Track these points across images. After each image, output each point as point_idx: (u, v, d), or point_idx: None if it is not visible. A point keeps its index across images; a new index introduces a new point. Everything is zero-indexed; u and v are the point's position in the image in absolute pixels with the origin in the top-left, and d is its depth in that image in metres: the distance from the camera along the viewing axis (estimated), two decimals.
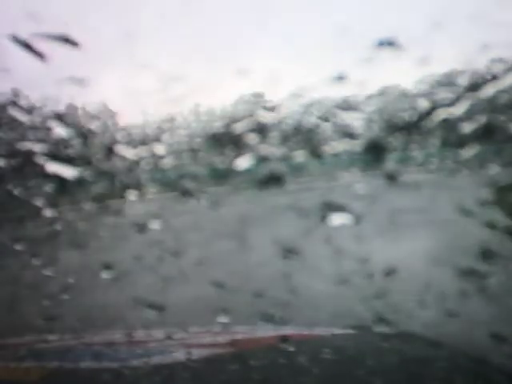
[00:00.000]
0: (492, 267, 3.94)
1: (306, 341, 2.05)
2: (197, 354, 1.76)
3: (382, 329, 2.12)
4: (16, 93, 25.72)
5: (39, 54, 1.77)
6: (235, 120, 26.42)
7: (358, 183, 11.10)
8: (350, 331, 2.21)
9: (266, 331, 2.31)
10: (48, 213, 6.07)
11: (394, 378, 1.51)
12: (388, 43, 2.58)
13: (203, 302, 4.58)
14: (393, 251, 6.26)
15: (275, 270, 5.00)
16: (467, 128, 3.63)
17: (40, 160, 2.98)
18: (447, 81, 25.98)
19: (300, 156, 14.43)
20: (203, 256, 6.57)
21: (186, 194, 6.69)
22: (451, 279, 3.91)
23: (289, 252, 4.68)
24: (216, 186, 15.92)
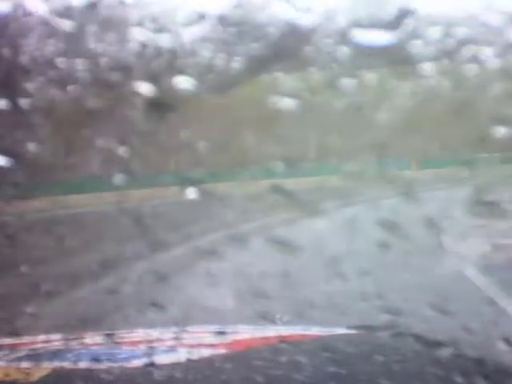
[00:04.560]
0: None
1: (306, 341, 2.05)
2: (197, 353, 1.76)
3: (382, 329, 2.13)
4: None
5: None
6: None
7: None
8: (351, 331, 2.22)
9: (266, 331, 2.31)
10: None
11: (394, 378, 1.51)
12: None
13: None
14: None
15: None
16: None
17: None
18: None
19: None
20: None
21: None
22: None
23: None
24: None
